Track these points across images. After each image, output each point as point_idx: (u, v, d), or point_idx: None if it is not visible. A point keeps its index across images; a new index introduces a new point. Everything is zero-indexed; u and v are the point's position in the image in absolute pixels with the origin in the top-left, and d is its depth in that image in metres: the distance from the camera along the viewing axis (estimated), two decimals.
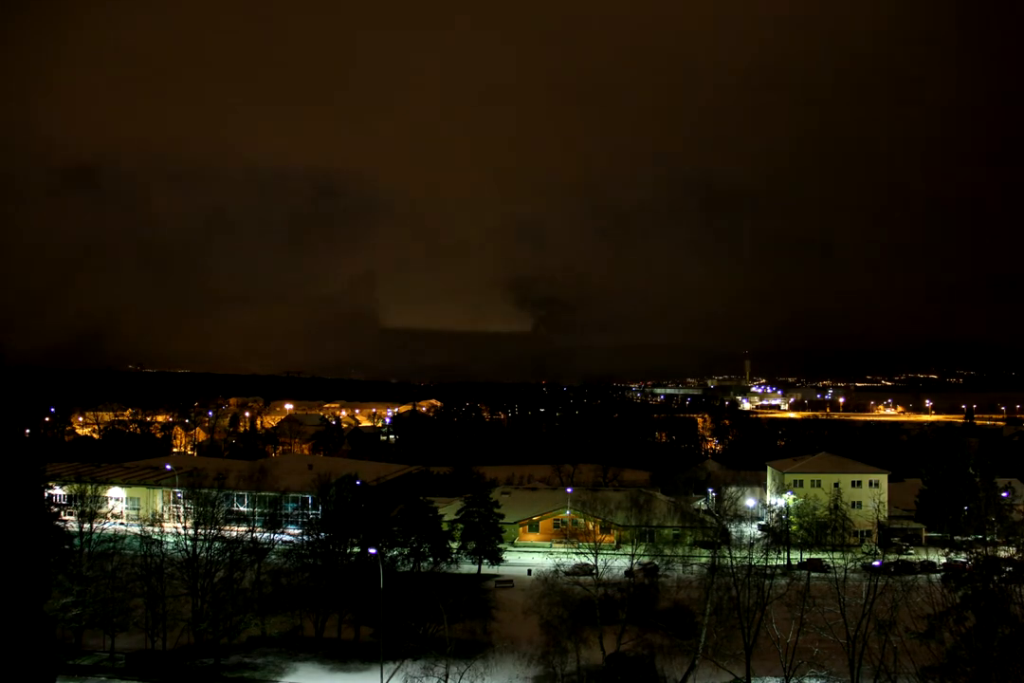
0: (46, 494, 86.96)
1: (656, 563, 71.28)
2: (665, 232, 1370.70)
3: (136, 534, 72.04)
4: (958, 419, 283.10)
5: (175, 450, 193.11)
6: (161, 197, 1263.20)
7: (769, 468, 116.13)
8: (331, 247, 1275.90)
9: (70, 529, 71.92)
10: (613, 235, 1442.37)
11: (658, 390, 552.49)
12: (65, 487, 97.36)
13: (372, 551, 65.48)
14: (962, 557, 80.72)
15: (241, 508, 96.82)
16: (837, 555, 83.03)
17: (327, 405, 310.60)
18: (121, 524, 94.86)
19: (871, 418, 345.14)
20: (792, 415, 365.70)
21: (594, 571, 60.89)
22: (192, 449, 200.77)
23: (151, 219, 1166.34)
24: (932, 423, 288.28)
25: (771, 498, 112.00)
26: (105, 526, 73.57)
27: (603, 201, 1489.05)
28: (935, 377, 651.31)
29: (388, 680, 53.63)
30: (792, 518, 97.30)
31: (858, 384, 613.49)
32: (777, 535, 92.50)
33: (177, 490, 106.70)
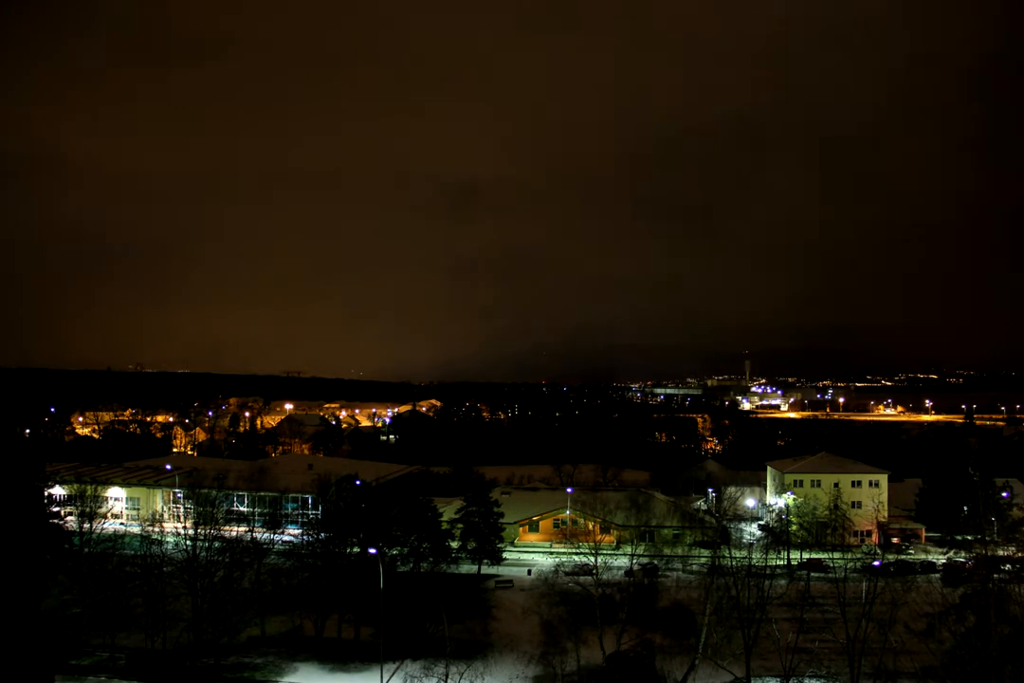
0: (46, 494, 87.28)
1: (656, 563, 71.33)
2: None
3: (136, 534, 72.16)
4: (958, 419, 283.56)
5: (175, 450, 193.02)
6: None
7: (769, 468, 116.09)
8: None
9: (70, 528, 72.08)
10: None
11: (658, 390, 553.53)
12: (65, 487, 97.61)
13: (372, 551, 65.42)
14: (962, 557, 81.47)
15: (241, 508, 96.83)
16: (837, 555, 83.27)
17: (327, 405, 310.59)
18: (121, 524, 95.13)
19: (871, 418, 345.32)
20: (792, 415, 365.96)
21: (594, 571, 60.91)
22: (192, 449, 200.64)
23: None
24: (932, 423, 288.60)
25: (771, 498, 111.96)
26: (105, 526, 73.80)
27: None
28: (935, 377, 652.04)
29: (388, 680, 53.59)
30: (792, 518, 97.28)
31: (858, 384, 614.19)
32: (777, 535, 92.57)
33: (177, 490, 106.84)
